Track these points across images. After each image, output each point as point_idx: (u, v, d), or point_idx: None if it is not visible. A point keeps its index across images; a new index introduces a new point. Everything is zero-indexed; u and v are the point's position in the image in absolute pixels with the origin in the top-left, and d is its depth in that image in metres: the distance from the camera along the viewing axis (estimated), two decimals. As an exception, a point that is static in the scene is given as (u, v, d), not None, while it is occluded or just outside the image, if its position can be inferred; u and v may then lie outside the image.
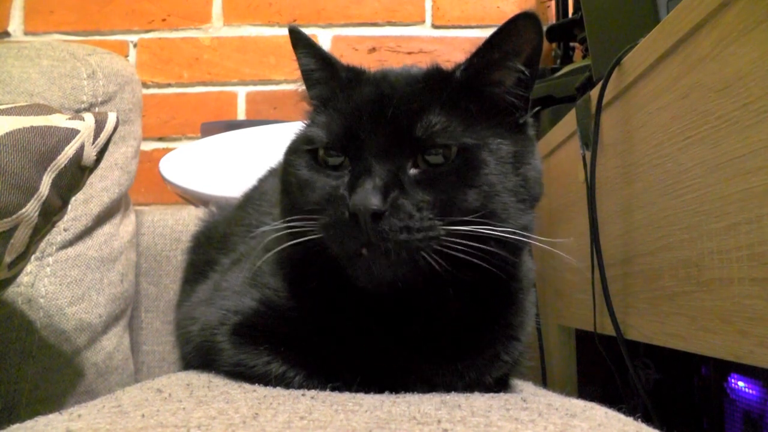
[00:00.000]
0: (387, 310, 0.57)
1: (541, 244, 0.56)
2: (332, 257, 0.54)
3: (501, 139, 0.56)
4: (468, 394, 0.55)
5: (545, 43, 1.62)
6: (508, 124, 0.58)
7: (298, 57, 0.64)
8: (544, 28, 1.54)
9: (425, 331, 0.57)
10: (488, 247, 0.51)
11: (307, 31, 0.64)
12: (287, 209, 0.59)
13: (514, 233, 0.53)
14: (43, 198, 0.66)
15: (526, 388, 0.67)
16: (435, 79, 0.57)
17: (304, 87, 0.65)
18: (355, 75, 0.61)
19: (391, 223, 0.50)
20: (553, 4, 1.64)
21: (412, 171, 0.54)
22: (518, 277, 0.63)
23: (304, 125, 0.63)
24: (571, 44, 1.53)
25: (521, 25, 0.55)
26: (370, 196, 0.50)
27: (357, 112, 0.56)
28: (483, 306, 0.59)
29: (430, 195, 0.52)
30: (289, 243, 0.56)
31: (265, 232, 0.64)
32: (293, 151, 0.60)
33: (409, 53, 1.70)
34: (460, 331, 0.59)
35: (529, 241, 0.56)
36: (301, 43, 0.63)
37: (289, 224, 0.56)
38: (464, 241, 0.51)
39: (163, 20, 1.71)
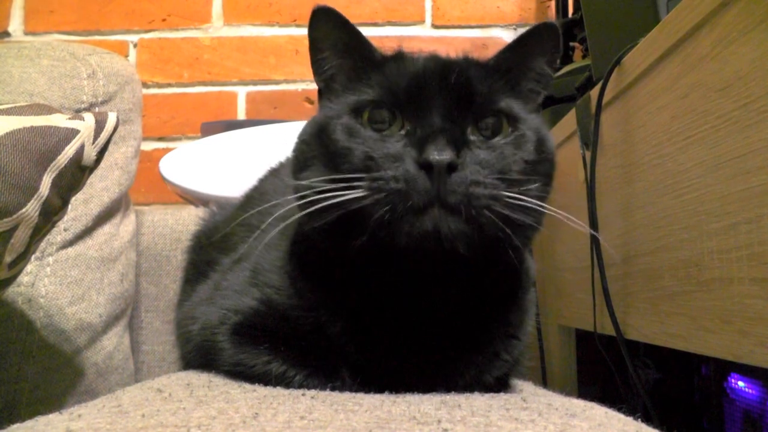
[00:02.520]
0: (392, 303, 0.57)
1: (578, 226, 0.58)
2: (373, 220, 0.52)
3: (531, 119, 0.60)
4: (468, 394, 0.55)
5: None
6: (534, 112, 0.63)
7: (324, 32, 0.62)
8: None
9: (426, 328, 0.57)
10: (532, 222, 0.55)
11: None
12: (319, 176, 0.56)
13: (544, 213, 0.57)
14: (43, 198, 0.66)
15: (526, 388, 0.67)
16: (473, 64, 0.60)
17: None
18: (395, 53, 0.62)
19: (464, 176, 0.51)
20: (553, 4, 1.64)
21: (472, 137, 0.56)
22: (519, 275, 0.63)
23: (331, 101, 0.62)
24: (571, 44, 1.52)
25: (544, 31, 0.62)
26: (445, 148, 0.51)
27: (420, 76, 0.57)
28: (483, 302, 0.59)
29: (489, 162, 0.54)
30: (327, 203, 0.53)
31: (281, 205, 0.61)
32: (330, 117, 0.59)
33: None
34: (460, 328, 0.59)
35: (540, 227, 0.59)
36: (333, 17, 0.62)
37: (322, 189, 0.53)
38: (518, 211, 0.53)
39: (163, 20, 1.71)
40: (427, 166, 0.50)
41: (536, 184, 0.56)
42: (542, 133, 0.60)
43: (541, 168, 0.58)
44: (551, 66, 0.63)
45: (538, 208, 0.55)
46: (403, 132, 0.55)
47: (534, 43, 0.62)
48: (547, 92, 0.65)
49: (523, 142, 0.57)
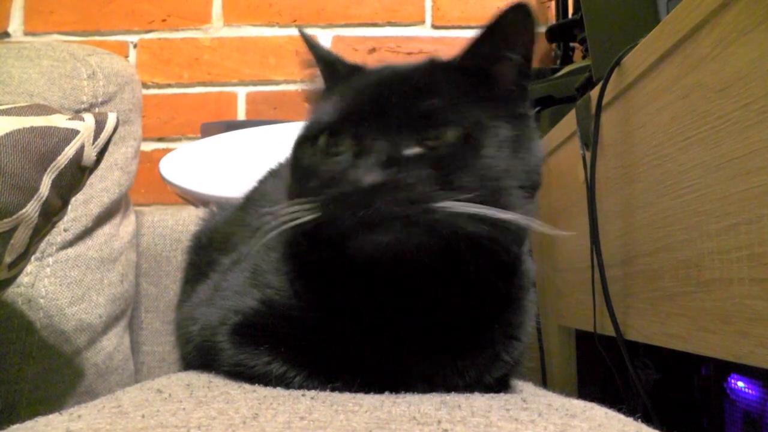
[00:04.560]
0: (390, 304, 0.57)
1: (545, 230, 0.54)
2: (330, 239, 0.54)
3: (500, 123, 0.56)
4: (468, 395, 0.55)
5: (545, 44, 1.62)
6: (506, 111, 0.58)
7: (306, 51, 0.66)
8: (544, 29, 1.55)
9: (425, 329, 0.57)
10: (481, 230, 0.51)
11: (307, 31, 0.65)
12: (291, 199, 0.58)
13: (511, 219, 0.52)
14: (43, 198, 0.66)
15: (526, 388, 0.67)
16: (435, 68, 0.59)
17: (305, 87, 0.67)
18: (355, 68, 0.63)
19: (388, 196, 0.50)
20: (553, 4, 1.64)
21: (412, 150, 0.54)
22: (518, 275, 0.62)
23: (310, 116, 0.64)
24: (571, 44, 1.53)
25: (513, 14, 0.55)
26: (369, 168, 0.51)
27: (360, 94, 0.57)
28: (482, 303, 0.59)
29: (428, 173, 0.52)
30: (289, 224, 0.55)
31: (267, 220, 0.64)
32: (296, 144, 0.61)
33: (409, 53, 1.70)
34: (460, 329, 0.58)
35: (531, 228, 0.55)
36: (306, 38, 0.65)
37: (290, 210, 0.56)
38: (457, 221, 0.51)
39: (163, 20, 1.71)
40: (361, 186, 0.50)
41: (483, 194, 0.52)
42: (509, 136, 0.55)
43: (506, 178, 0.54)
44: (527, 54, 0.57)
45: (491, 217, 0.51)
46: (351, 151, 0.55)
47: (503, 30, 0.56)
48: (527, 87, 0.59)
49: (472, 150, 0.53)
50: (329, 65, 0.64)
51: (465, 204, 0.51)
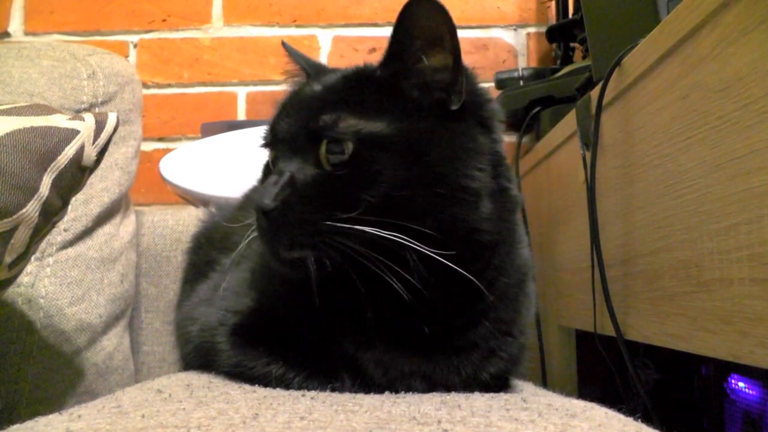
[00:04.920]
0: (383, 304, 0.56)
1: (425, 251, 0.50)
2: None
3: (423, 129, 0.54)
4: (468, 394, 0.55)
5: (545, 44, 1.62)
6: (435, 114, 0.55)
7: None
8: (544, 29, 1.55)
9: (423, 327, 0.57)
10: (361, 249, 0.50)
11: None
12: None
13: (387, 237, 0.50)
14: (44, 198, 0.66)
15: (526, 388, 0.66)
16: (358, 78, 0.58)
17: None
18: (320, 73, 0.63)
19: (275, 221, 0.52)
20: (553, 4, 1.64)
21: (311, 171, 0.54)
22: (505, 272, 0.60)
23: None
24: (571, 44, 1.53)
25: (414, 10, 0.52)
26: (264, 194, 0.52)
27: (279, 112, 0.59)
28: (469, 302, 0.58)
29: (321, 194, 0.52)
30: (246, 240, 0.60)
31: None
32: None
33: (409, 53, 1.70)
34: (452, 327, 0.58)
35: (411, 247, 0.50)
36: (285, 50, 0.68)
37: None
38: (348, 242, 0.51)
39: (164, 20, 1.71)
40: (261, 210, 0.53)
41: (403, 206, 0.51)
42: (426, 141, 0.53)
43: (405, 188, 0.51)
44: (447, 48, 0.53)
45: (375, 234, 0.49)
46: (271, 170, 0.58)
47: (410, 28, 0.53)
48: (459, 84, 0.54)
49: (373, 164, 0.51)
50: (306, 73, 0.66)
51: (342, 225, 0.50)
